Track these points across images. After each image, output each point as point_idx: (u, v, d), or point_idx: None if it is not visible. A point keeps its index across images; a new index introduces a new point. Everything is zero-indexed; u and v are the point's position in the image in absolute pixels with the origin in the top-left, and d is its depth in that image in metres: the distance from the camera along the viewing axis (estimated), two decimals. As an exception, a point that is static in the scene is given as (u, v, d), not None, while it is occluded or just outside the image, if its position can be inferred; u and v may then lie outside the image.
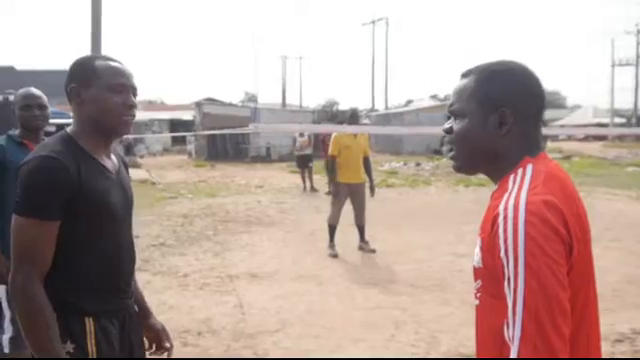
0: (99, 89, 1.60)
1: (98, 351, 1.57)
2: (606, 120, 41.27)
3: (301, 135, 13.81)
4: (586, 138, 33.37)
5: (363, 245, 6.89)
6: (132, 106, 1.65)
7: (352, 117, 7.32)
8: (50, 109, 3.06)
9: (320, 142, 13.82)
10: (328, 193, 12.51)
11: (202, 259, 6.54)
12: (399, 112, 34.97)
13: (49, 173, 1.50)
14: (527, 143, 1.18)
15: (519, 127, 1.17)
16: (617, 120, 43.87)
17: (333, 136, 7.08)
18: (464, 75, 1.24)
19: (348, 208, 6.87)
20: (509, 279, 1.02)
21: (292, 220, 9.28)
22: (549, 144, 32.19)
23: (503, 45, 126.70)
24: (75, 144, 1.60)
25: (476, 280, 1.17)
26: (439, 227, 8.26)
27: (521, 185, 1.10)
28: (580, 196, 1.18)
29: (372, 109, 40.85)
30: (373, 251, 6.78)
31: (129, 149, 23.15)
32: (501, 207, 1.08)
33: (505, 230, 1.04)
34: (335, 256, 6.59)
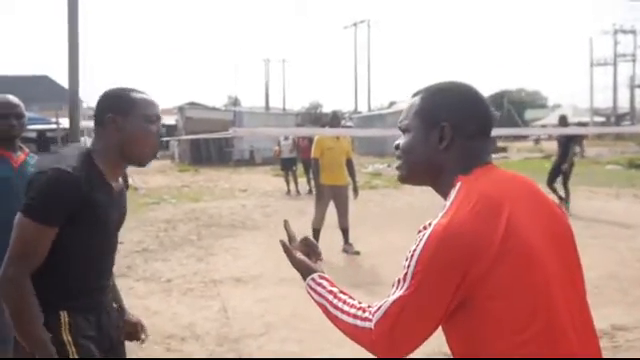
0: (137, 118, 1.76)
1: (74, 340, 1.69)
2: (586, 119, 41.80)
3: (285, 139, 13.80)
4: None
5: (347, 247, 6.90)
6: (162, 135, 1.87)
7: (333, 119, 7.36)
8: (27, 115, 3.02)
9: (296, 145, 13.78)
10: (310, 192, 12.66)
11: (186, 264, 6.51)
12: (382, 114, 35.09)
13: (61, 186, 1.64)
14: (465, 159, 1.24)
15: (459, 142, 1.24)
16: (596, 119, 44.48)
17: (316, 138, 7.10)
18: (414, 94, 1.33)
19: (331, 210, 6.89)
20: (398, 281, 1.18)
21: (276, 224, 9.24)
22: (531, 145, 32.55)
23: (484, 46, 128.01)
24: (92, 163, 1.74)
25: None
26: (422, 228, 8.29)
27: (444, 208, 1.18)
28: (537, 213, 1.21)
29: (355, 111, 40.96)
30: (357, 253, 6.80)
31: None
32: (422, 226, 1.20)
33: (414, 244, 1.17)
34: (319, 259, 6.59)
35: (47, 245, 1.66)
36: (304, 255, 1.47)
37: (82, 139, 2.98)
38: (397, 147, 1.33)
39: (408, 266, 1.15)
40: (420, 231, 1.18)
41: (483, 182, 1.19)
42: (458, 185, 1.20)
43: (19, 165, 2.80)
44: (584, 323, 1.19)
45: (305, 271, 1.43)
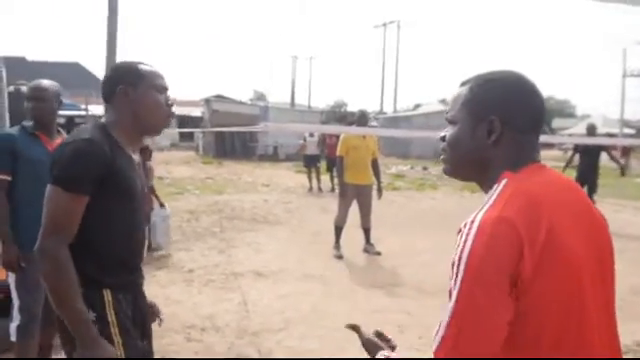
0: (146, 88, 1.80)
1: (117, 320, 1.71)
2: (615, 130, 40.99)
3: (311, 135, 13.82)
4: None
5: (368, 247, 6.89)
6: (172, 105, 1.88)
7: (361, 118, 7.32)
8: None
9: (323, 142, 13.81)
10: (332, 190, 12.66)
11: (207, 255, 6.56)
12: (408, 115, 34.91)
13: (88, 153, 1.67)
14: (514, 155, 1.18)
15: (508, 137, 1.17)
16: (626, 131, 43.59)
17: (342, 137, 7.08)
18: (462, 84, 1.25)
19: (354, 209, 6.88)
20: (451, 290, 1.06)
21: (298, 220, 9.29)
22: (555, 153, 32.07)
23: (513, 52, 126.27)
24: (109, 134, 1.77)
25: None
26: (445, 232, 8.18)
27: (486, 203, 1.12)
28: (580, 219, 1.15)
29: (380, 111, 40.80)
30: (378, 253, 6.78)
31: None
32: (463, 223, 1.11)
33: (458, 246, 1.08)
34: (340, 257, 6.60)
35: (79, 215, 1.67)
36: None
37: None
38: (443, 139, 1.26)
39: (457, 269, 1.05)
40: (460, 230, 1.10)
41: (530, 182, 1.14)
42: (504, 181, 1.14)
43: (54, 149, 2.85)
44: (610, 340, 1.16)
45: (373, 349, 1.38)
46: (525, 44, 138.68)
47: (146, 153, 7.39)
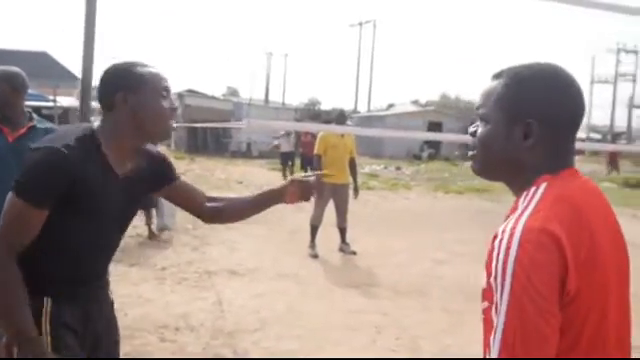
0: (148, 94, 1.63)
1: (52, 332, 1.58)
2: (582, 135, 42.03)
3: (288, 133, 13.76)
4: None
5: (344, 247, 6.85)
6: (176, 109, 1.72)
7: (339, 117, 7.29)
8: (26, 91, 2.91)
9: (299, 139, 13.78)
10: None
11: (180, 253, 6.43)
12: (382, 115, 35.10)
13: (51, 167, 1.53)
14: (552, 158, 1.11)
15: (546, 140, 1.10)
16: (593, 135, 44.71)
17: (320, 135, 7.02)
18: (495, 76, 1.16)
19: (330, 209, 6.83)
20: (496, 305, 0.99)
21: (272, 218, 9.15)
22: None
23: (484, 56, 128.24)
24: (94, 142, 1.62)
25: (483, 301, 1.11)
26: (419, 232, 8.27)
27: (526, 207, 1.05)
28: (607, 222, 1.11)
29: (355, 110, 40.92)
30: (354, 253, 6.75)
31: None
32: (500, 229, 1.04)
33: (498, 254, 1.00)
34: (316, 257, 6.54)
35: (36, 226, 1.56)
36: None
37: (92, 119, 2.89)
38: (473, 134, 1.18)
39: (502, 280, 0.98)
40: (497, 237, 1.03)
41: (570, 187, 1.09)
42: (544, 185, 1.07)
43: (14, 139, 2.73)
44: (623, 350, 1.14)
45: None
46: (496, 47, 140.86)
47: None
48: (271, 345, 3.90)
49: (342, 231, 6.89)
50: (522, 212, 1.04)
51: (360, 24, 42.57)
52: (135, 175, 1.71)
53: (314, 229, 6.75)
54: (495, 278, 1.00)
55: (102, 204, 1.62)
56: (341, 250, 6.84)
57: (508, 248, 0.99)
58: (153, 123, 1.64)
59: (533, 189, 1.08)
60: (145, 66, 1.67)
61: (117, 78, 1.65)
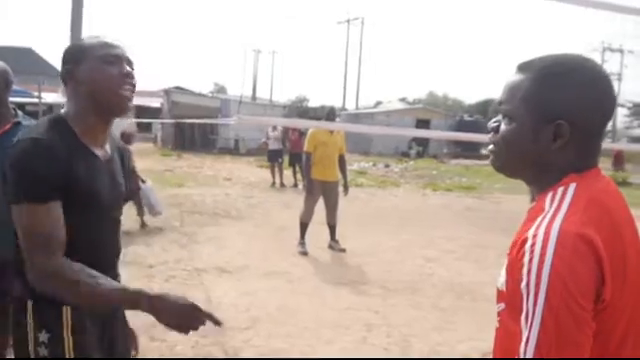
0: (90, 63, 1.53)
1: (74, 341, 1.50)
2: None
3: (273, 129, 13.67)
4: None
5: (333, 244, 6.83)
6: (129, 75, 1.55)
7: (330, 114, 7.26)
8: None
9: (286, 137, 13.67)
10: (295, 185, 12.59)
11: (168, 250, 6.37)
12: (370, 112, 35.12)
13: (37, 155, 1.42)
14: (581, 158, 1.06)
15: (577, 141, 1.04)
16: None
17: (309, 132, 6.99)
18: (520, 69, 1.09)
19: (319, 206, 6.80)
20: (527, 314, 0.94)
21: (261, 215, 9.15)
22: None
23: (472, 54, 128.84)
24: (66, 127, 1.53)
25: (498, 303, 1.08)
26: (408, 230, 8.27)
27: (558, 209, 0.99)
28: (630, 225, 1.07)
29: (343, 108, 40.91)
30: (343, 250, 6.73)
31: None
32: (531, 232, 0.97)
33: (530, 260, 0.95)
34: (305, 254, 6.51)
35: (58, 219, 1.43)
36: None
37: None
38: (495, 130, 1.11)
39: (536, 285, 0.93)
40: (526, 241, 0.97)
41: (598, 189, 1.04)
42: (573, 186, 1.02)
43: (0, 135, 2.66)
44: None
45: None
46: (483, 45, 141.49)
47: (128, 137, 7.16)
48: (262, 344, 3.87)
49: (332, 228, 6.86)
50: (554, 215, 0.99)
51: (348, 21, 42.60)
52: (113, 158, 1.65)
53: (304, 226, 6.72)
54: (527, 285, 0.94)
55: (93, 188, 1.53)
56: (330, 247, 6.81)
57: (543, 254, 0.93)
58: (101, 91, 1.52)
59: (561, 189, 1.03)
60: (95, 37, 1.59)
61: (65, 54, 1.59)
